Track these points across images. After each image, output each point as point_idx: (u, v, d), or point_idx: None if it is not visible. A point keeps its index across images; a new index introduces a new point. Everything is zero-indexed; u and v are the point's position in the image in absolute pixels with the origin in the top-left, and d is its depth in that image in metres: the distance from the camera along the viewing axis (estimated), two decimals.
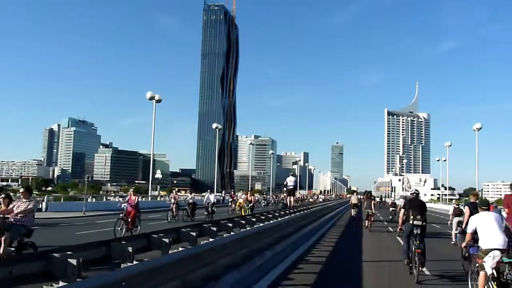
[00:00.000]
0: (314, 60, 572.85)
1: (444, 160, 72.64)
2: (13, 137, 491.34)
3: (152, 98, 35.34)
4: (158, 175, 53.23)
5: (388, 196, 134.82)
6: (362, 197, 56.00)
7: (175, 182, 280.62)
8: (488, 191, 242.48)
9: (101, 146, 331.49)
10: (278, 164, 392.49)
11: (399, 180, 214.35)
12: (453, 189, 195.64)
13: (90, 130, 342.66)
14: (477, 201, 10.86)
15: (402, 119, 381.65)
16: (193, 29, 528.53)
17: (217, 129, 55.26)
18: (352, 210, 30.63)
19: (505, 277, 6.80)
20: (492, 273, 6.86)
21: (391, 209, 31.37)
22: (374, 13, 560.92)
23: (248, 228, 9.01)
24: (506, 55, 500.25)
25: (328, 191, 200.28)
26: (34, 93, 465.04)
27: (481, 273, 7.02)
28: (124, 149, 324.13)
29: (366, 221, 23.35)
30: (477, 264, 7.27)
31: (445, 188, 71.31)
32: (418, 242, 9.84)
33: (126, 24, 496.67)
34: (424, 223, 10.09)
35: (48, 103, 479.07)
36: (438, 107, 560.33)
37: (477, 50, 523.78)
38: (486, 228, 7.27)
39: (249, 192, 25.61)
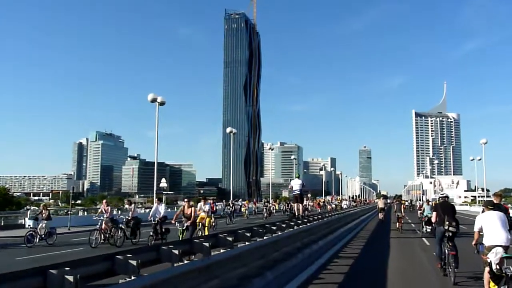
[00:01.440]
0: (337, 65, 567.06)
1: (479, 159, 67.70)
2: (44, 152, 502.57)
3: (154, 100, 33.44)
4: (163, 184, 51.26)
5: (419, 200, 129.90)
6: (392, 201, 54.94)
7: (201, 191, 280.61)
8: None
9: (128, 158, 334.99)
10: (305, 170, 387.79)
11: (430, 182, 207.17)
12: (488, 191, 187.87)
13: (117, 143, 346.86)
14: (500, 202, 11.41)
15: (431, 120, 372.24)
16: (215, 38, 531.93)
17: (232, 134, 52.49)
18: (379, 214, 33.93)
19: (503, 271, 7.08)
20: (497, 269, 7.19)
21: (419, 212, 32.28)
22: (396, 16, 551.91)
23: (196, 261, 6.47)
24: None
25: (357, 196, 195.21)
26: (63, 108, 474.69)
27: (486, 269, 7.51)
28: (151, 160, 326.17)
29: (397, 223, 25.70)
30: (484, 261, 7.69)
31: (483, 190, 66.62)
32: (450, 244, 10.10)
33: (148, 35, 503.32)
34: (457, 230, 10.35)
35: (78, 117, 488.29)
36: (468, 107, 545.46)
37: (504, 47, 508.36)
38: (490, 226, 7.71)
39: (186, 200, 15.83)
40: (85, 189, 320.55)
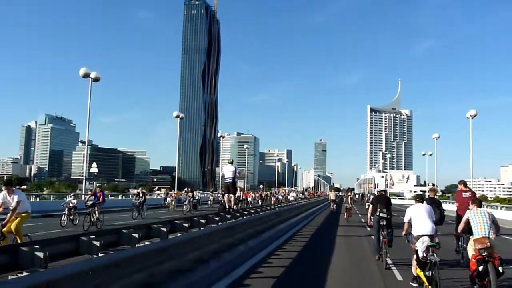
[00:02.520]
0: (296, 58, 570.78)
1: (431, 154, 68.15)
2: None
3: (86, 75, 30.61)
4: (94, 169, 48.01)
5: (370, 193, 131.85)
6: (343, 193, 55.70)
7: (155, 180, 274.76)
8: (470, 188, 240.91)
9: (79, 144, 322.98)
10: (261, 161, 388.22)
11: (382, 177, 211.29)
12: (436, 186, 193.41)
13: (68, 127, 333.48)
14: (435, 197, 12.78)
15: (385, 116, 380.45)
16: (174, 24, 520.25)
17: (179, 118, 49.64)
18: (331, 204, 38.82)
19: (428, 258, 7.69)
20: (424, 256, 7.83)
21: (367, 204, 34.50)
22: (353, 12, 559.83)
23: None
24: (485, 53, 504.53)
25: (310, 188, 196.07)
26: (11, 90, 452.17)
27: (414, 256, 8.29)
28: (104, 146, 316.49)
29: (345, 213, 28.75)
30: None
31: (433, 185, 67.38)
32: (385, 232, 11.22)
33: (103, 19, 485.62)
34: (389, 216, 11.58)
35: (27, 99, 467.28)
36: (420, 104, 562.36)
37: (455, 48, 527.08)
38: (418, 218, 8.41)
39: None
40: (32, 174, 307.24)
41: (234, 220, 11.47)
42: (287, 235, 17.13)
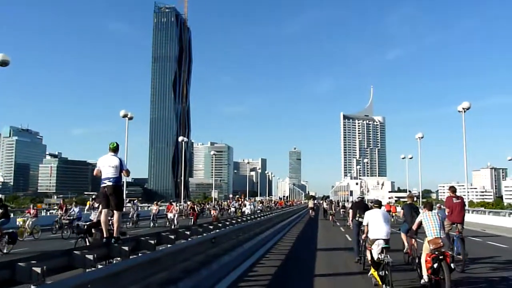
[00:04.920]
0: (268, 67, 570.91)
1: (411, 158, 64.38)
2: None
3: None
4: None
5: (347, 200, 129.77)
6: (321, 201, 63.01)
7: (126, 192, 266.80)
8: (444, 192, 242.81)
9: (47, 156, 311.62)
10: (235, 171, 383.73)
11: (356, 184, 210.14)
12: (410, 191, 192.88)
13: (35, 139, 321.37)
14: (413, 202, 13.19)
15: (358, 123, 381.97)
16: (144, 32, 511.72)
17: (127, 118, 43.54)
18: (310, 211, 44.60)
19: (382, 259, 8.18)
20: (378, 258, 8.35)
21: (341, 210, 40.75)
22: (324, 22, 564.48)
23: None
24: (452, 60, 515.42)
25: (286, 197, 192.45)
26: None
27: (368, 257, 9.03)
28: (73, 159, 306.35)
29: (330, 218, 34.74)
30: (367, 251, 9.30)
31: (420, 192, 64.31)
32: (364, 236, 11.35)
33: (73, 28, 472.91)
34: None
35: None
36: (393, 111, 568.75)
37: (424, 56, 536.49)
38: (375, 222, 8.93)
39: None
40: None
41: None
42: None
